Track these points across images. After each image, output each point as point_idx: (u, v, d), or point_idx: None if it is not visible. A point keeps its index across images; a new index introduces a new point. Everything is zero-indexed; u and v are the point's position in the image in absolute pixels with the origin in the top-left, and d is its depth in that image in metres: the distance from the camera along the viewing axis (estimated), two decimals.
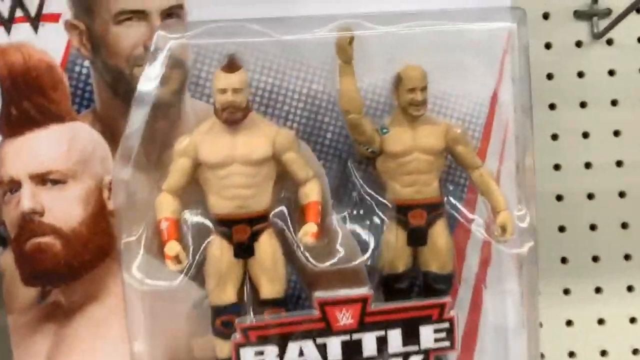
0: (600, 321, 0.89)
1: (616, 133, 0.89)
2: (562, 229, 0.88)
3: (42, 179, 0.65)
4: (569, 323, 0.89)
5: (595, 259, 0.89)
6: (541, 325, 0.85)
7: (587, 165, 0.88)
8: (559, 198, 0.88)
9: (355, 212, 0.66)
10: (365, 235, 0.65)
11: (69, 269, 0.66)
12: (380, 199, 0.66)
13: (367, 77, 0.64)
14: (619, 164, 0.89)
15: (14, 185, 0.65)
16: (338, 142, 0.67)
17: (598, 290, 0.88)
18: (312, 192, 0.63)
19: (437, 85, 0.66)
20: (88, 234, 0.66)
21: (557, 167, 0.88)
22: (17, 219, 0.65)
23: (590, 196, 0.89)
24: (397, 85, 0.64)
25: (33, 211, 0.65)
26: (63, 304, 0.67)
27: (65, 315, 0.67)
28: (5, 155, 0.65)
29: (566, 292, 0.88)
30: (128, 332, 0.64)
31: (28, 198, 0.65)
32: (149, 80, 0.61)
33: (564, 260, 0.88)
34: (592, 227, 0.89)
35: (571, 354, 0.89)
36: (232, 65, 0.60)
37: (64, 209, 0.66)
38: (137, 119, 0.61)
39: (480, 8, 0.65)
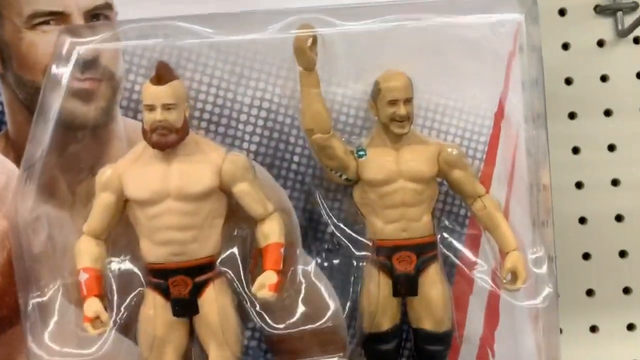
0: None
1: None
2: (586, 256, 0.82)
3: None
4: None
5: (626, 290, 0.82)
6: None
7: (615, 183, 0.82)
8: (582, 221, 0.82)
9: (326, 255, 0.61)
10: (340, 284, 0.60)
11: None
12: (359, 237, 0.61)
13: (336, 86, 0.59)
14: None
15: None
16: (305, 167, 0.61)
17: (631, 327, 0.81)
18: (272, 232, 0.56)
19: (427, 95, 0.61)
20: (3, 284, 0.60)
21: (579, 185, 0.82)
22: None
23: (618, 218, 0.82)
24: (376, 97, 0.59)
25: None
26: None
27: None
28: None
29: (593, 329, 0.82)
30: None
31: None
32: (54, 92, 0.56)
33: (589, 292, 0.81)
34: (622, 254, 0.82)
35: None
36: (161, 75, 0.54)
37: None
38: (40, 136, 0.56)
39: None
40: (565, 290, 0.78)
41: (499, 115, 0.63)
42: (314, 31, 0.55)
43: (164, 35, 0.56)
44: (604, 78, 0.81)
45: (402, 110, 0.57)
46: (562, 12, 0.81)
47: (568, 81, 0.81)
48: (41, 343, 0.54)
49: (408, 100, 0.58)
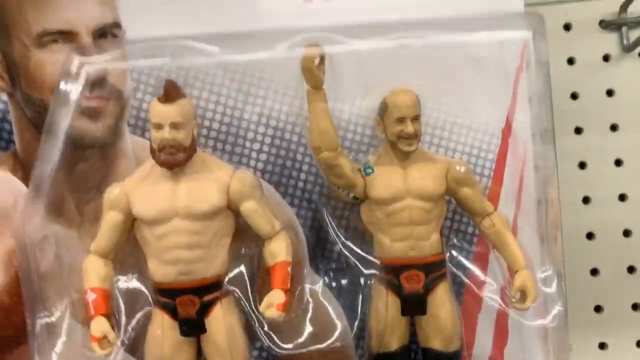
0: None
1: None
2: (594, 272, 0.81)
3: None
4: None
5: (635, 306, 0.81)
6: None
7: (622, 198, 0.82)
8: (590, 236, 0.82)
9: (334, 274, 0.61)
10: (348, 302, 0.60)
11: None
12: (367, 256, 0.61)
13: (342, 103, 0.60)
14: None
15: None
16: (312, 185, 0.62)
17: None
18: (279, 251, 0.56)
19: (435, 112, 0.62)
20: (10, 303, 0.61)
21: (586, 200, 0.82)
22: None
23: (627, 233, 0.82)
24: (383, 115, 0.59)
25: None
26: None
27: None
28: None
29: (602, 346, 0.81)
30: None
31: None
32: (62, 110, 0.57)
33: (598, 309, 0.81)
34: (631, 270, 0.81)
35: None
36: (169, 94, 0.54)
37: None
38: (48, 154, 0.56)
39: (488, 15, 0.61)
40: (573, 307, 0.77)
41: (507, 132, 0.63)
42: (321, 50, 0.55)
43: (171, 54, 0.57)
44: (610, 92, 0.82)
45: (409, 127, 0.57)
46: (567, 27, 0.82)
47: (574, 96, 0.82)
48: None
49: (416, 118, 0.58)
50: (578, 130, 0.82)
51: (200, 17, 0.59)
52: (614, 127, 0.82)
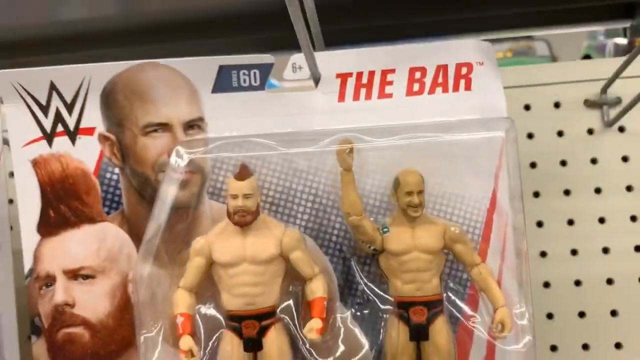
0: None
1: (633, 218, 0.91)
2: (582, 314, 0.90)
3: (74, 274, 0.71)
4: None
5: (617, 345, 0.89)
6: None
7: (605, 251, 0.90)
8: (578, 283, 0.90)
9: (358, 307, 0.68)
10: (369, 331, 0.67)
11: (96, 357, 0.70)
12: (384, 295, 0.68)
13: (366, 180, 0.68)
14: (637, 249, 0.90)
15: (49, 280, 0.71)
16: (342, 239, 0.69)
17: None
18: (317, 289, 0.65)
19: (437, 188, 0.69)
20: (114, 325, 0.71)
21: (574, 252, 0.90)
22: (51, 310, 0.71)
23: (609, 281, 0.90)
24: (396, 188, 0.67)
25: (65, 303, 0.71)
26: None
27: None
28: (43, 253, 0.72)
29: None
30: None
31: (61, 291, 0.71)
32: (170, 186, 0.68)
33: (585, 346, 0.89)
34: (613, 313, 0.90)
35: None
36: (242, 174, 0.64)
37: (93, 302, 0.71)
38: (159, 219, 0.67)
39: (477, 120, 0.68)
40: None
41: (492, 203, 0.69)
42: (351, 145, 0.65)
43: (242, 148, 0.67)
44: (594, 161, 0.91)
45: (415, 199, 0.65)
46: (557, 105, 0.91)
47: (563, 163, 0.91)
48: None
49: (420, 192, 0.65)
50: (567, 192, 0.91)
51: (264, 118, 0.68)
52: (597, 190, 0.91)
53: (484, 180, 0.68)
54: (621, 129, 0.90)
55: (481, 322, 0.67)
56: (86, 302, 0.71)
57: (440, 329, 0.66)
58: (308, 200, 0.69)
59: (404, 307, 0.66)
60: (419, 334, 0.65)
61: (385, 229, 0.67)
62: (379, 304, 0.67)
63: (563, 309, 0.90)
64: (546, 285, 0.91)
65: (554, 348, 0.89)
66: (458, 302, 0.68)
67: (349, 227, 0.67)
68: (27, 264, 0.71)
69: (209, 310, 0.66)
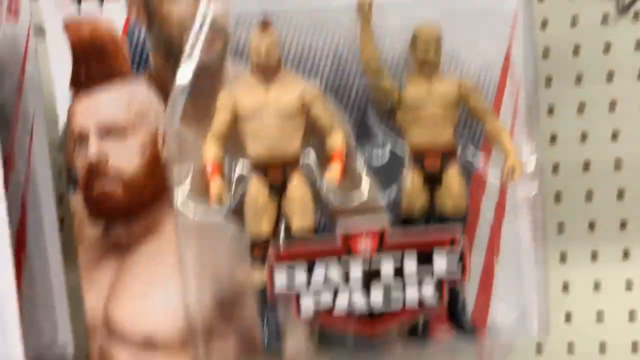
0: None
1: None
2: (589, 196, 0.92)
3: (106, 131, 0.74)
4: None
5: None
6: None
7: (614, 136, 0.91)
8: (586, 167, 0.91)
9: (376, 158, 0.72)
10: (386, 177, 0.71)
11: (129, 208, 0.75)
12: (400, 145, 0.72)
13: (385, 37, 0.70)
14: None
15: (83, 137, 0.75)
16: (362, 95, 0.72)
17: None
18: (336, 141, 0.69)
19: (450, 45, 0.71)
20: (145, 178, 0.75)
21: (584, 137, 0.91)
22: (85, 165, 0.75)
23: (617, 165, 0.91)
24: (413, 44, 0.69)
25: (99, 159, 0.74)
26: (123, 239, 0.76)
27: (125, 248, 0.76)
28: (76, 111, 0.75)
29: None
30: (179, 261, 0.72)
31: (94, 147, 0.74)
32: (195, 44, 0.70)
33: (591, 225, 0.91)
34: (620, 195, 0.91)
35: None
36: (265, 26, 0.67)
37: (125, 157, 0.74)
38: (185, 75, 0.70)
39: None
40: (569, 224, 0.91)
41: (506, 63, 0.72)
42: None
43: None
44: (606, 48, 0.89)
45: (432, 54, 0.68)
46: None
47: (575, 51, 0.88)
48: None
49: (437, 47, 0.68)
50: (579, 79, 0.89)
51: None
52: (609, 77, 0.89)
53: (498, 39, 0.71)
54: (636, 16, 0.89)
55: (494, 173, 0.72)
56: (118, 157, 0.74)
57: (453, 176, 0.70)
58: (329, 56, 0.71)
59: (418, 157, 0.70)
60: (433, 179, 0.70)
61: (402, 83, 0.70)
62: (396, 153, 0.72)
63: (570, 191, 0.92)
64: (554, 169, 0.94)
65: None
66: (470, 154, 0.73)
67: (367, 81, 0.70)
68: (61, 122, 0.75)
69: (237, 166, 0.70)
